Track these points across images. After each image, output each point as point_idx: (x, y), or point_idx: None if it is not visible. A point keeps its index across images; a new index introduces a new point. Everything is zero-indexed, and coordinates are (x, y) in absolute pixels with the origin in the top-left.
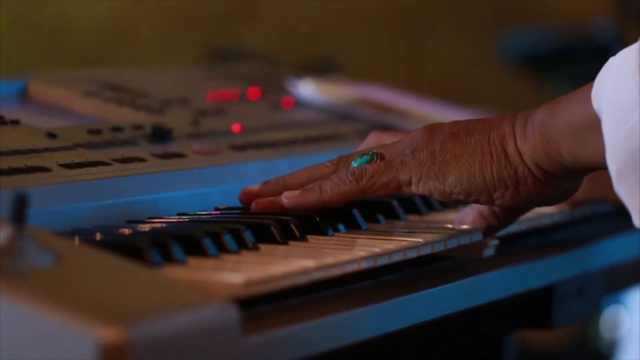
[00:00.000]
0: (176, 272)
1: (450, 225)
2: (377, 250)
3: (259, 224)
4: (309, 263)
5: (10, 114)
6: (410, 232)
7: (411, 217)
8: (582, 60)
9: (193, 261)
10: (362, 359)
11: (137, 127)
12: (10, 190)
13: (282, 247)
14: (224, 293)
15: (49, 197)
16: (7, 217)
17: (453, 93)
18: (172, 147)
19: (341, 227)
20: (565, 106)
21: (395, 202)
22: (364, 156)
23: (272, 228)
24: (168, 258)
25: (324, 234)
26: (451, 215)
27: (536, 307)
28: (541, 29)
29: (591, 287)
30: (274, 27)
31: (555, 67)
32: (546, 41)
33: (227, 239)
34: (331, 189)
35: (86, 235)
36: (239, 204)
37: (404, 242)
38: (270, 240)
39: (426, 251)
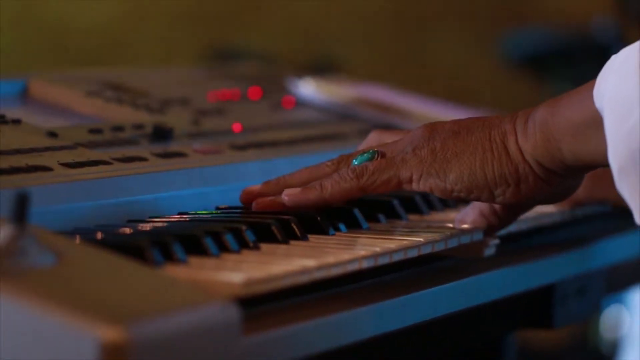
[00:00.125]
0: (177, 272)
1: (451, 225)
2: (378, 249)
3: (260, 223)
4: (310, 262)
5: (11, 113)
6: (411, 231)
7: (412, 217)
8: (582, 60)
9: (194, 260)
10: (362, 359)
11: (138, 126)
12: (11, 189)
13: (283, 247)
14: (225, 292)
15: (50, 197)
16: (8, 217)
17: (454, 93)
18: (173, 147)
19: (342, 226)
20: (567, 104)
21: (396, 202)
22: (365, 154)
23: (273, 227)
24: (169, 257)
25: (325, 233)
26: (452, 214)
27: (536, 306)
28: (541, 29)
29: (591, 286)
30: (275, 26)
31: (555, 67)
32: (546, 41)
33: (228, 238)
34: (332, 187)
35: (87, 235)
36: (239, 204)
37: (404, 242)
38: (271, 239)
39: (427, 250)
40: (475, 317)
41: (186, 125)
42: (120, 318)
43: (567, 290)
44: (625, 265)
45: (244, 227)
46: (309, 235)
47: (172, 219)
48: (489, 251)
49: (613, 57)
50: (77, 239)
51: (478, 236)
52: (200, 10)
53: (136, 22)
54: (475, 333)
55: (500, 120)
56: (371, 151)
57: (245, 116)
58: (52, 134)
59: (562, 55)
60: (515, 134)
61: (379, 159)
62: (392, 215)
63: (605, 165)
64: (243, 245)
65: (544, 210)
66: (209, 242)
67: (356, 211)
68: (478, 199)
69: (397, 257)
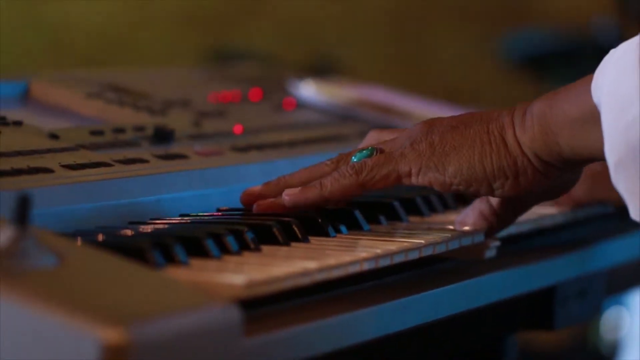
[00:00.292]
0: (178, 273)
1: (451, 227)
2: (379, 251)
3: (261, 225)
4: (311, 264)
5: (12, 115)
6: (412, 233)
7: (413, 218)
8: (582, 60)
9: (195, 262)
10: None
11: (139, 128)
12: (12, 191)
13: (284, 248)
14: (226, 294)
15: (52, 198)
16: (9, 218)
17: (454, 93)
18: (174, 148)
19: (343, 228)
20: (564, 98)
21: (396, 203)
22: (364, 151)
23: (274, 229)
24: (170, 259)
25: (326, 235)
26: (453, 216)
27: (537, 308)
28: (541, 30)
29: (592, 288)
30: (275, 28)
31: (555, 67)
32: (546, 42)
33: (229, 240)
34: (331, 184)
35: (88, 236)
36: (240, 205)
37: (405, 244)
38: (272, 241)
39: (428, 252)
40: (477, 318)
41: (187, 126)
42: (122, 319)
43: (567, 291)
44: (625, 267)
45: (245, 229)
46: (310, 237)
47: (174, 221)
48: (490, 253)
49: (612, 52)
50: (79, 241)
51: (479, 238)
52: (201, 11)
53: (137, 24)
54: (476, 334)
55: (498, 113)
56: (370, 148)
57: (246, 118)
58: (54, 136)
59: (562, 56)
60: (513, 127)
61: (377, 155)
62: (393, 217)
63: (602, 159)
64: (244, 247)
65: (544, 212)
66: (210, 244)
67: (357, 213)
68: (477, 193)
69: (398, 259)
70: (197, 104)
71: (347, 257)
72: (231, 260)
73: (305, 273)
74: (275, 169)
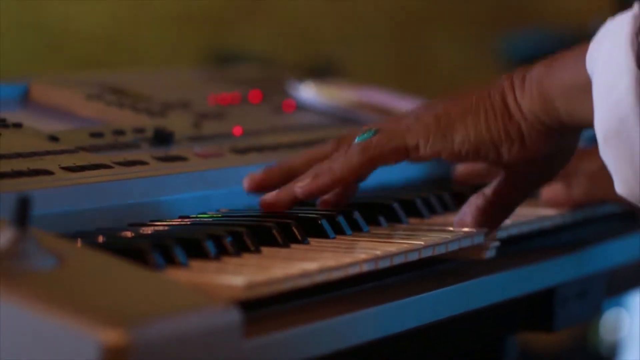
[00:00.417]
0: (178, 275)
1: (451, 228)
2: (378, 252)
3: (260, 226)
4: (311, 265)
5: (12, 117)
6: (412, 234)
7: (412, 220)
8: None
9: (195, 264)
10: None
11: (139, 130)
12: (12, 193)
13: (283, 250)
14: (226, 295)
15: (51, 200)
16: (10, 219)
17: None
18: (174, 150)
19: (343, 229)
20: (561, 65)
21: (396, 205)
22: (368, 132)
23: (274, 231)
24: (170, 260)
25: (326, 236)
26: (452, 217)
27: (537, 309)
28: (541, 30)
29: (592, 289)
30: (275, 29)
31: None
32: (546, 42)
33: (229, 242)
34: (341, 167)
35: (88, 238)
36: (240, 207)
37: (405, 245)
38: (272, 242)
39: (428, 254)
40: (476, 319)
41: (187, 128)
42: (122, 321)
43: (567, 293)
44: (625, 268)
45: (244, 231)
46: (309, 239)
47: (173, 223)
48: (490, 253)
49: (608, 22)
50: (79, 242)
51: (479, 239)
52: (201, 13)
53: (136, 25)
54: (476, 335)
55: (497, 80)
56: (373, 129)
57: (245, 120)
58: (53, 138)
59: None
60: (514, 91)
61: (382, 133)
62: (393, 218)
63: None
64: (244, 248)
65: (544, 213)
66: (209, 246)
67: (357, 214)
68: (485, 159)
69: (398, 261)
70: (196, 106)
71: (346, 259)
72: (231, 261)
73: (305, 274)
74: None
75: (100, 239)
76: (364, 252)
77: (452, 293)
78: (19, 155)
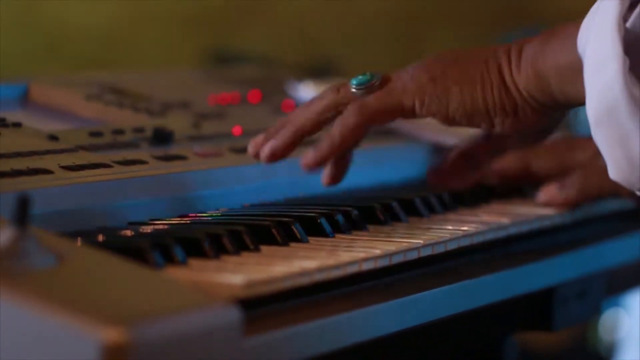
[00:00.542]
0: (178, 274)
1: (450, 227)
2: (377, 251)
3: (259, 225)
4: (310, 264)
5: (12, 116)
6: (411, 233)
7: (412, 219)
8: None
9: (194, 262)
10: None
11: (139, 129)
12: (12, 192)
13: (282, 249)
14: (225, 294)
15: (51, 199)
16: (9, 219)
17: None
18: (174, 150)
19: (342, 228)
20: (555, 44)
21: (395, 204)
22: (364, 75)
23: (273, 229)
24: (169, 259)
25: (325, 235)
26: (452, 216)
27: (537, 309)
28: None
29: (592, 289)
30: (274, 29)
31: None
32: None
33: (228, 241)
34: (340, 132)
35: (88, 237)
36: (239, 206)
37: (404, 244)
38: (271, 241)
39: (427, 253)
40: (476, 319)
41: (186, 128)
42: (122, 320)
43: (567, 292)
44: (625, 268)
45: (244, 230)
46: (308, 238)
47: (173, 222)
48: None
49: (597, 3)
50: (78, 241)
51: (478, 238)
52: (200, 13)
53: (136, 25)
54: (475, 335)
55: (494, 50)
56: (370, 73)
57: (245, 119)
58: (53, 137)
59: None
60: (510, 67)
61: (377, 82)
62: (392, 217)
63: None
64: (243, 247)
65: (543, 213)
66: (209, 245)
67: (356, 213)
68: (478, 126)
69: (396, 259)
70: (196, 106)
71: (346, 257)
72: (230, 260)
73: (304, 273)
74: (273, 170)
75: (100, 238)
76: (363, 250)
77: (452, 292)
78: (18, 154)
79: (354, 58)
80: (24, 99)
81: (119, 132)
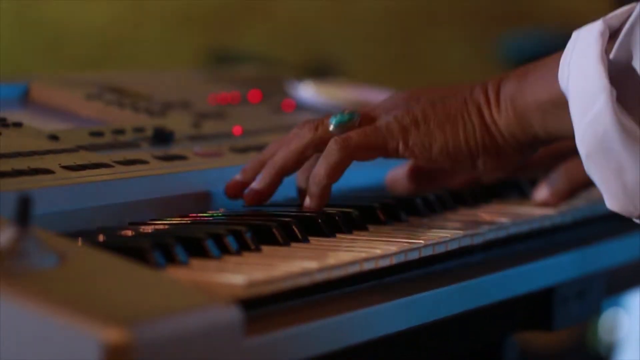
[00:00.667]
0: (179, 274)
1: (451, 227)
2: (378, 251)
3: (261, 225)
4: (311, 264)
5: (12, 116)
6: (412, 233)
7: (412, 219)
8: None
9: (195, 262)
10: None
11: (139, 129)
12: (13, 192)
13: (284, 249)
14: (227, 294)
15: (52, 199)
16: (11, 218)
17: None
18: (174, 149)
19: (343, 228)
20: (533, 81)
21: (396, 204)
22: (344, 115)
23: (274, 230)
24: (171, 259)
25: (326, 235)
26: (452, 216)
27: (537, 308)
28: (540, 31)
29: (591, 289)
30: (274, 29)
31: None
32: (545, 43)
33: (230, 241)
34: (325, 170)
35: (89, 237)
36: (240, 205)
37: (405, 244)
38: (272, 241)
39: (427, 253)
40: (476, 318)
41: (187, 128)
42: (123, 319)
43: (567, 292)
44: (625, 268)
45: (245, 230)
46: (309, 238)
47: (174, 221)
48: None
49: (574, 37)
50: (79, 241)
51: (478, 239)
52: (200, 13)
53: (136, 25)
54: (475, 335)
55: (470, 90)
56: (350, 113)
57: (245, 119)
58: (54, 137)
59: None
60: (490, 107)
61: (357, 123)
62: (393, 217)
63: (574, 138)
64: (244, 247)
65: (543, 213)
66: (210, 244)
67: (356, 213)
68: (460, 168)
69: (397, 259)
70: (196, 106)
71: (346, 257)
72: (231, 260)
73: (305, 273)
74: None
75: (101, 237)
76: (364, 251)
77: (452, 292)
78: (19, 154)
79: (354, 57)
80: (25, 99)
81: (120, 132)
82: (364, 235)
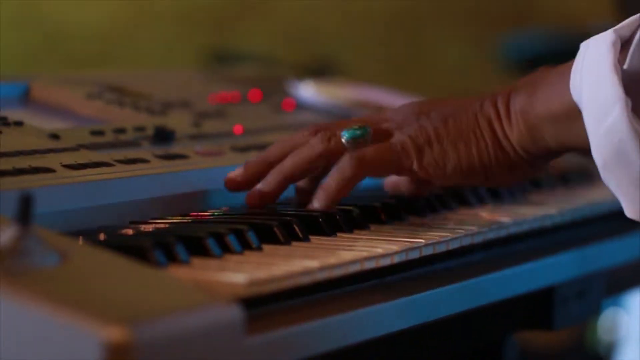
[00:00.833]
0: (180, 272)
1: (451, 226)
2: (379, 250)
3: (262, 224)
4: (312, 263)
5: (13, 115)
6: (413, 232)
7: (413, 218)
8: None
9: (197, 261)
10: (364, 359)
11: (140, 128)
12: (14, 190)
13: (285, 248)
14: (228, 293)
15: (53, 198)
16: (12, 217)
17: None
18: (175, 149)
19: (344, 227)
20: (544, 94)
21: (397, 203)
22: (356, 130)
23: (275, 229)
24: (172, 258)
25: (327, 234)
26: (452, 216)
27: (537, 308)
28: (541, 31)
29: (592, 288)
30: (274, 29)
31: None
32: (546, 43)
33: (231, 239)
34: (337, 182)
35: (90, 236)
36: (241, 204)
37: (406, 243)
38: (274, 240)
39: (428, 252)
40: (476, 318)
41: (187, 127)
42: (124, 318)
43: (567, 292)
44: (625, 268)
45: (246, 228)
46: (310, 237)
47: (175, 220)
48: None
49: (583, 48)
50: (80, 240)
51: (479, 238)
52: (200, 12)
53: (136, 25)
54: (476, 334)
55: (481, 104)
56: (363, 128)
57: (246, 118)
58: (54, 136)
59: (562, 57)
60: (500, 121)
61: (370, 138)
62: (394, 216)
63: (589, 148)
64: (245, 246)
65: (543, 213)
66: (211, 243)
67: (357, 212)
68: (473, 184)
69: (398, 259)
70: (197, 105)
71: (347, 256)
72: (232, 259)
73: (306, 272)
74: None
75: (102, 236)
76: (365, 250)
77: (453, 291)
78: (20, 153)
79: (354, 57)
80: (25, 98)
81: (121, 131)
82: (365, 235)
